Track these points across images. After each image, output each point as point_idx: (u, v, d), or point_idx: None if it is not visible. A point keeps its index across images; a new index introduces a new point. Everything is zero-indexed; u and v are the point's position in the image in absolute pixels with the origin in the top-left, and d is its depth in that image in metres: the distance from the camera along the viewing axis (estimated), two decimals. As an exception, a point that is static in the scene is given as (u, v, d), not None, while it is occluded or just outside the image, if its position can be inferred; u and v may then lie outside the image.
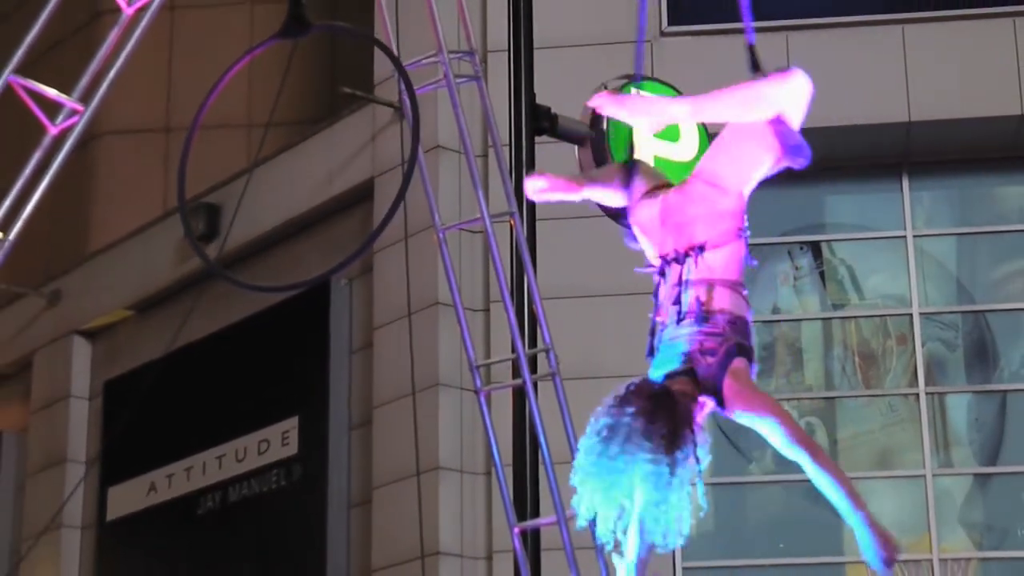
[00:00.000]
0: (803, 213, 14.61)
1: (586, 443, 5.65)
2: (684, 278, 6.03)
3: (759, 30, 6.92)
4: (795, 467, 13.33)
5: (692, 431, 5.73)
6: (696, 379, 5.87)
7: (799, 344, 14.53)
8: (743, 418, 5.93)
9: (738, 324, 6.05)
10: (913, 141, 14.25)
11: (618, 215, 6.62)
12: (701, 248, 6.08)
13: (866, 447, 14.26)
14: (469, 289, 13.65)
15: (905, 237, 14.45)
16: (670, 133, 11.68)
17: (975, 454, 14.20)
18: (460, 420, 13.78)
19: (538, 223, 9.98)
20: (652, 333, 6.07)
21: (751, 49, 6.58)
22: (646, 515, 5.62)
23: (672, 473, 5.58)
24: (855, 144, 14.09)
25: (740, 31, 14.12)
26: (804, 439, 5.91)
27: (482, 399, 8.28)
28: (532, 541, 8.85)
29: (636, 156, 11.84)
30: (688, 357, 5.90)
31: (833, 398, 14.40)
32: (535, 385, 8.39)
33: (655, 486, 5.58)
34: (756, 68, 6.51)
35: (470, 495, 13.70)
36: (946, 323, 14.43)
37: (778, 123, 6.12)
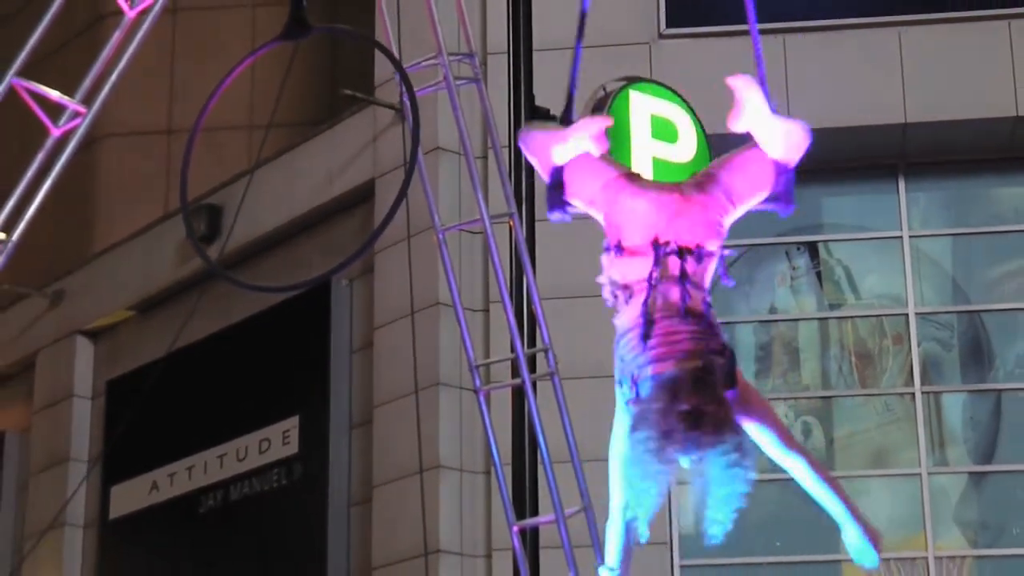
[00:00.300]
0: (800, 214, 14.54)
1: (653, 432, 5.57)
2: (690, 275, 5.99)
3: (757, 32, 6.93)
4: (792, 466, 13.08)
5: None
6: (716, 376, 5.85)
7: (796, 344, 14.54)
8: (745, 421, 5.90)
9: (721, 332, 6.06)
10: (909, 142, 14.26)
11: (557, 184, 6.52)
12: (709, 253, 6.06)
13: (862, 446, 14.27)
14: (469, 289, 13.65)
15: (901, 237, 14.45)
16: (668, 134, 11.70)
17: (970, 453, 14.20)
18: (460, 419, 13.78)
19: (537, 224, 9.99)
20: (647, 320, 5.97)
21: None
22: (715, 507, 5.63)
23: (744, 465, 5.61)
24: (851, 145, 14.09)
25: (737, 33, 14.18)
26: (799, 445, 5.95)
27: (481, 398, 8.27)
28: (531, 539, 8.85)
29: (634, 157, 11.84)
30: (704, 354, 5.84)
31: (830, 397, 14.40)
32: (534, 385, 8.38)
33: (733, 478, 5.59)
34: None
35: (469, 494, 13.71)
36: (942, 323, 14.44)
37: (789, 170, 6.21)
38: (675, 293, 5.94)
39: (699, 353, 5.81)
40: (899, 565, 13.85)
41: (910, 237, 14.46)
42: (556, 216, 6.52)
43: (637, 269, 6.04)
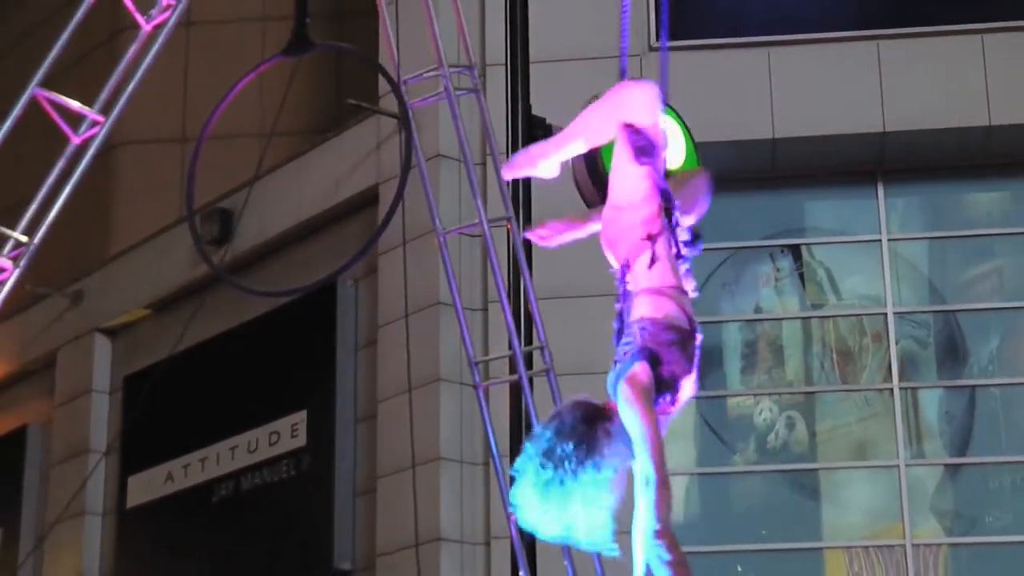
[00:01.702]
0: (784, 218, 14.60)
1: None
2: (625, 292, 5.98)
3: (743, 46, 6.93)
4: (777, 458, 13.30)
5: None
6: None
7: (780, 342, 14.54)
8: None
9: (651, 328, 5.91)
10: (887, 150, 14.25)
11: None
12: (627, 264, 6.00)
13: (843, 439, 14.26)
14: (468, 290, 13.63)
15: (880, 241, 14.45)
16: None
17: (946, 445, 14.20)
18: (460, 413, 13.76)
19: (534, 227, 9.97)
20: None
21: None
22: None
23: None
24: (833, 153, 14.09)
25: (724, 46, 14.22)
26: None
27: (480, 394, 8.27)
28: (528, 528, 8.83)
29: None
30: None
31: (812, 393, 14.40)
32: (530, 380, 8.38)
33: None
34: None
35: (469, 484, 13.69)
36: (918, 322, 14.44)
37: (624, 129, 6.04)
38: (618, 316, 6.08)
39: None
40: (878, 552, 13.84)
41: (888, 240, 14.46)
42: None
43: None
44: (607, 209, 6.07)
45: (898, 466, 13.93)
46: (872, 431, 14.22)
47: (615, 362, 5.76)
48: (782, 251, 14.65)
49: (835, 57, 14.19)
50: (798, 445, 14.23)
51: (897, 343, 14.28)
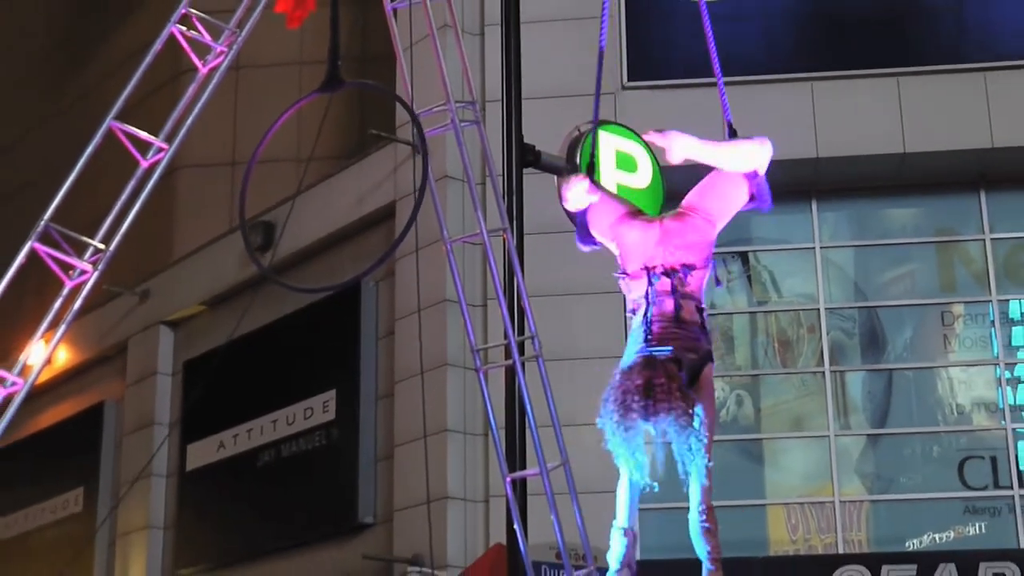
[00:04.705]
0: (734, 229, 14.43)
1: (614, 405, 5.65)
2: (678, 289, 5.96)
3: (699, 85, 6.93)
4: (727, 430, 13.19)
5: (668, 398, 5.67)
6: (680, 365, 5.80)
7: (731, 333, 14.53)
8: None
9: (708, 335, 5.99)
10: (820, 173, 14.26)
11: (582, 224, 6.51)
12: (691, 268, 6.00)
13: (783, 414, 14.26)
14: (471, 289, 13.62)
15: (814, 249, 14.45)
16: (629, 165, 11.64)
17: (868, 419, 14.21)
18: (464, 393, 13.75)
19: (526, 236, 9.96)
20: (647, 327, 5.93)
21: (729, 124, 6.62)
22: (681, 459, 5.66)
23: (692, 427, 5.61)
24: (774, 175, 13.99)
25: (683, 86, 14.07)
26: (709, 468, 5.90)
27: (481, 376, 8.23)
28: (521, 488, 8.81)
29: (602, 184, 11.79)
30: (679, 349, 5.81)
31: (757, 375, 14.40)
32: (523, 365, 8.35)
33: (686, 437, 5.72)
34: (734, 135, 6.54)
35: (471, 452, 13.68)
36: (846, 316, 14.44)
37: (755, 176, 6.13)
38: (669, 305, 5.91)
39: (676, 349, 5.79)
40: (811, 508, 13.84)
41: (821, 248, 14.46)
42: (587, 248, 6.49)
43: (638, 288, 6.03)
44: (697, 217, 6.20)
45: (828, 436, 13.93)
46: (807, 407, 14.22)
47: (673, 341, 5.92)
48: (732, 257, 14.65)
49: (776, 95, 14.18)
50: (745, 419, 14.22)
51: (828, 334, 14.28)
